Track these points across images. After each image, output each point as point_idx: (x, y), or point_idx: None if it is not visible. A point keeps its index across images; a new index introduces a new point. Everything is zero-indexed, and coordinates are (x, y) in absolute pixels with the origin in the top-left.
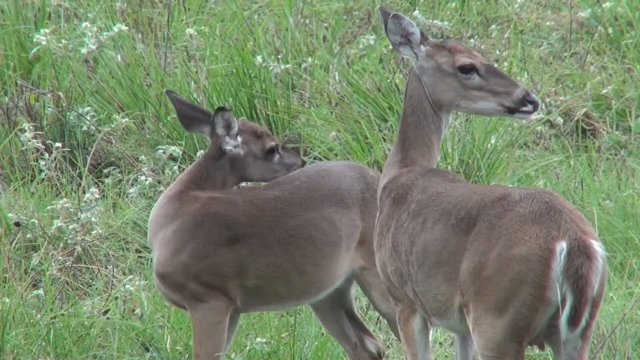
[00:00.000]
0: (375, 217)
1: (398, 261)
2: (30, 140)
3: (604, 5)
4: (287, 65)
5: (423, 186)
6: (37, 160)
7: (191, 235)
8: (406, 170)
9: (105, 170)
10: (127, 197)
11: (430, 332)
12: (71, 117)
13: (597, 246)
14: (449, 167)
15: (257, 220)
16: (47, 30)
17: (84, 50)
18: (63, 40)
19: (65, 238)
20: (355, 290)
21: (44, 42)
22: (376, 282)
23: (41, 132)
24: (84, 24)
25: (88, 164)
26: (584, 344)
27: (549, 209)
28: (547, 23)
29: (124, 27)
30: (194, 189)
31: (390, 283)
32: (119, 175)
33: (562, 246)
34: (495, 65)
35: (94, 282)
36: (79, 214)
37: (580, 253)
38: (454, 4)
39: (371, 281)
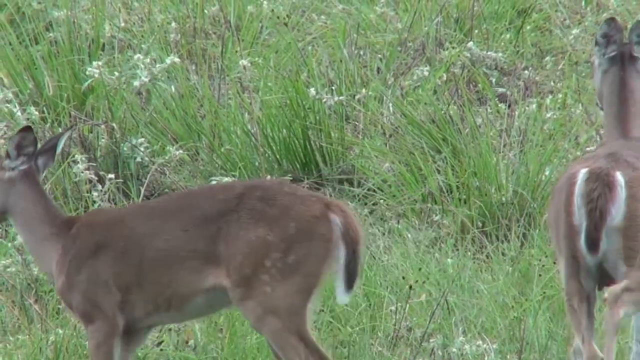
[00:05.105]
0: (245, 238)
1: None
2: (83, 172)
3: None
4: (341, 97)
5: None
6: (90, 192)
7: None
8: None
9: None
10: None
11: None
12: (125, 148)
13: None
14: (503, 199)
15: (107, 231)
16: (100, 63)
17: (136, 83)
18: (116, 73)
19: None
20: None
21: (96, 75)
22: (249, 306)
23: (94, 164)
24: (136, 56)
25: (142, 195)
26: None
27: None
28: None
29: (176, 60)
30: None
31: None
32: None
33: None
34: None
35: None
36: None
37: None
38: (508, 36)
39: (241, 304)
